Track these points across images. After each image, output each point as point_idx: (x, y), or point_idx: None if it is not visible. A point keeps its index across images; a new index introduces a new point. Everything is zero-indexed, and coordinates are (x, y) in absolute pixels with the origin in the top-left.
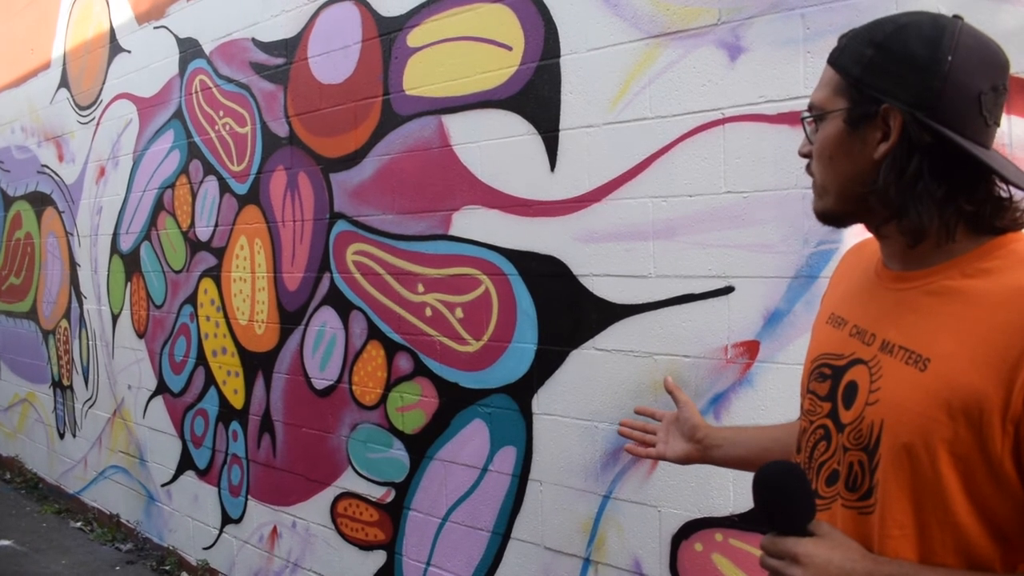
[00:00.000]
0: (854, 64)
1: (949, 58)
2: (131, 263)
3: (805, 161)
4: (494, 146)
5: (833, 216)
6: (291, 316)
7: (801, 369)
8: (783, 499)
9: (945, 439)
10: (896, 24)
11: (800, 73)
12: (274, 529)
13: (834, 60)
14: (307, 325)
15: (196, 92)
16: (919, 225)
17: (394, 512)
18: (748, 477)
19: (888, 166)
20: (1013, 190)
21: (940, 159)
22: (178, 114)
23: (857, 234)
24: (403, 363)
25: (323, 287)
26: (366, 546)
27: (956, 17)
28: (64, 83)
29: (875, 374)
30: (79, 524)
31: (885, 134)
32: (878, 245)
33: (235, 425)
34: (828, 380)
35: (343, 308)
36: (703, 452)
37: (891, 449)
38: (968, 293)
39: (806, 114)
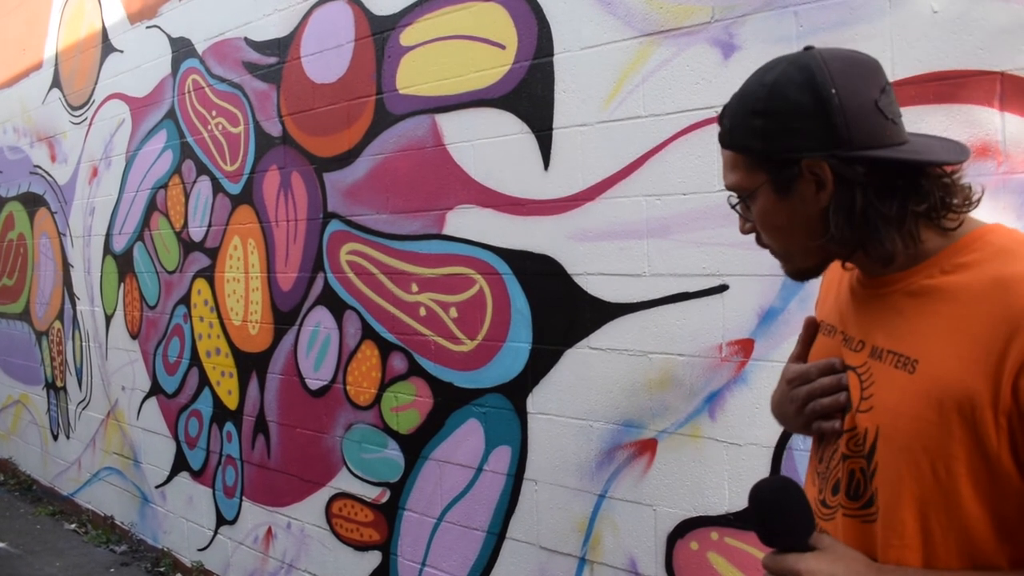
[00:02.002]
0: (752, 139)
1: (833, 91)
2: (124, 264)
3: None
4: (487, 145)
5: (807, 272)
6: (285, 316)
7: None
8: (780, 516)
9: (941, 440)
10: (765, 86)
11: None
12: (269, 530)
13: (728, 144)
14: (301, 325)
15: (189, 92)
16: (885, 252)
17: (389, 512)
18: (742, 475)
19: (835, 211)
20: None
21: (878, 180)
22: (171, 114)
23: None
24: (397, 363)
25: (317, 287)
26: (361, 546)
27: (808, 48)
28: (56, 83)
29: (866, 381)
30: (73, 526)
31: (819, 183)
32: None
33: (229, 426)
34: None
35: (337, 308)
36: None
37: (887, 454)
38: (948, 290)
39: (734, 199)
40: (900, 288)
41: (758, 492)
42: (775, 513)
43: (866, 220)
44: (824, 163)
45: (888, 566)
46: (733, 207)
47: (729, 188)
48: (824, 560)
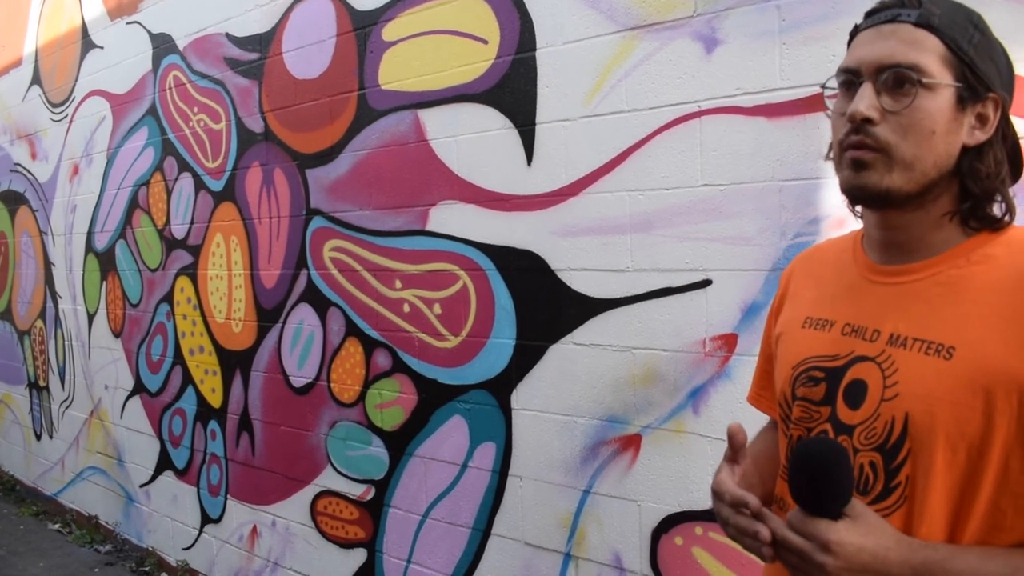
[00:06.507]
0: (966, 42)
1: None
2: (106, 262)
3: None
4: (470, 140)
5: (887, 194)
6: (268, 314)
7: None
8: (831, 480)
9: (981, 426)
10: (975, 11)
11: (776, 65)
12: (254, 528)
13: (936, 25)
14: (284, 322)
15: (170, 88)
16: (1012, 205)
17: (374, 510)
18: None
19: (997, 152)
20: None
21: (1008, 154)
22: (152, 111)
23: (833, 227)
24: (381, 360)
25: (300, 284)
26: (346, 544)
27: None
28: (36, 80)
29: (888, 369)
30: (57, 526)
31: (983, 119)
32: (840, 246)
33: (213, 424)
34: (822, 383)
35: (320, 305)
36: None
37: (921, 441)
38: (979, 279)
39: (913, 75)
40: (926, 277)
41: (811, 448)
42: (826, 477)
43: (1002, 179)
44: (1004, 106)
45: (919, 541)
46: (894, 79)
47: (909, 63)
48: (856, 532)
